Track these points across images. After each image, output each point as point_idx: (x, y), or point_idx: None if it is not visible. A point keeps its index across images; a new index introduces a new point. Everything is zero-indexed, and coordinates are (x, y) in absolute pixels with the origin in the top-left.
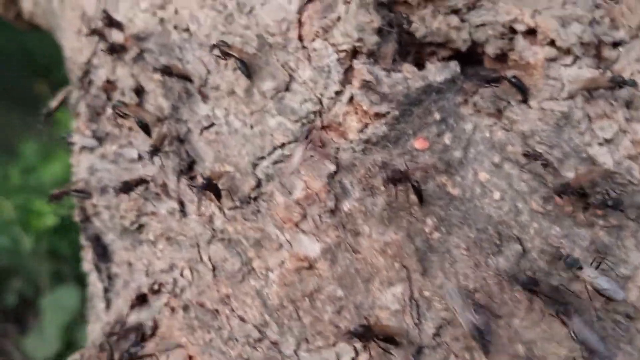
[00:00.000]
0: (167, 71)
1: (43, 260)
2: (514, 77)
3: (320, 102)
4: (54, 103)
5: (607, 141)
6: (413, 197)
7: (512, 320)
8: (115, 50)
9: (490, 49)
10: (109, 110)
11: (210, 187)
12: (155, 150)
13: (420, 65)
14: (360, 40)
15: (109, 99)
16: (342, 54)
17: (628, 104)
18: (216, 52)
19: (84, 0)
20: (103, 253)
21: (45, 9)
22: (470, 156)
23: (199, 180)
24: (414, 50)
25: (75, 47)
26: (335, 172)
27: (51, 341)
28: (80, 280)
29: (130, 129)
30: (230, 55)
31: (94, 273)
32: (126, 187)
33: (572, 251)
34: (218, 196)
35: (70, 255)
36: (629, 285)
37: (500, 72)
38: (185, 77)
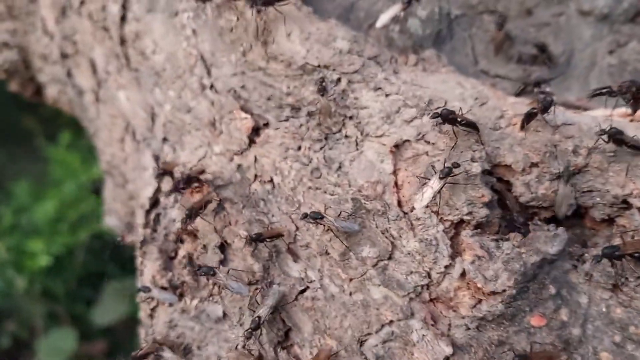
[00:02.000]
0: (259, 239)
1: (37, 302)
2: (637, 252)
3: (429, 276)
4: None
5: None
6: None
7: None
8: (195, 215)
9: (597, 214)
10: (181, 253)
11: None
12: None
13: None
14: (469, 214)
15: (181, 241)
16: (447, 224)
17: None
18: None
19: (128, 109)
20: None
21: (72, 100)
22: (588, 333)
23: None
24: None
25: (118, 155)
26: (452, 354)
27: None
28: (75, 321)
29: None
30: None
31: None
32: None
33: None
34: None
35: (64, 296)
36: None
37: (622, 250)
38: (278, 236)
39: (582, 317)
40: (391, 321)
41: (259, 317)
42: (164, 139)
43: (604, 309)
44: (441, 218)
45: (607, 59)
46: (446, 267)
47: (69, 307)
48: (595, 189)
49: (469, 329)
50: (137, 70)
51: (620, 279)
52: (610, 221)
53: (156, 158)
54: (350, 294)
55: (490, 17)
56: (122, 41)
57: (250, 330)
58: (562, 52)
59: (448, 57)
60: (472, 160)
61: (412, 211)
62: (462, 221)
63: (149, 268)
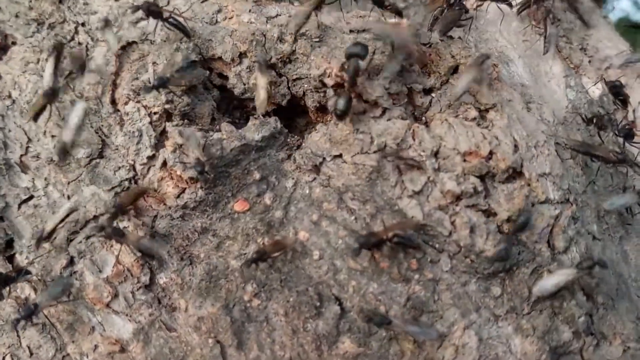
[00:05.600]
0: None
1: None
2: None
3: (134, 169)
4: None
5: (417, 193)
6: (233, 262)
7: None
8: None
9: (310, 102)
10: None
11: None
12: None
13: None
14: (169, 102)
15: None
16: (156, 117)
17: (436, 154)
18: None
19: None
20: None
21: None
22: (290, 215)
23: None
24: (236, 107)
25: None
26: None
27: None
28: None
29: None
30: None
31: None
32: None
33: (390, 308)
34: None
35: None
36: (444, 343)
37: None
38: None
39: (286, 200)
40: (95, 216)
41: None
42: None
43: (307, 192)
44: (150, 112)
45: None
46: (149, 157)
47: None
48: (303, 75)
49: (173, 218)
50: None
51: (318, 159)
52: (324, 109)
53: None
54: (69, 197)
55: None
56: None
57: None
58: None
59: None
60: (176, 49)
61: (124, 107)
62: (170, 114)
63: None
